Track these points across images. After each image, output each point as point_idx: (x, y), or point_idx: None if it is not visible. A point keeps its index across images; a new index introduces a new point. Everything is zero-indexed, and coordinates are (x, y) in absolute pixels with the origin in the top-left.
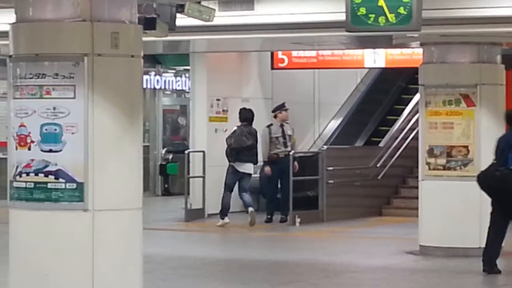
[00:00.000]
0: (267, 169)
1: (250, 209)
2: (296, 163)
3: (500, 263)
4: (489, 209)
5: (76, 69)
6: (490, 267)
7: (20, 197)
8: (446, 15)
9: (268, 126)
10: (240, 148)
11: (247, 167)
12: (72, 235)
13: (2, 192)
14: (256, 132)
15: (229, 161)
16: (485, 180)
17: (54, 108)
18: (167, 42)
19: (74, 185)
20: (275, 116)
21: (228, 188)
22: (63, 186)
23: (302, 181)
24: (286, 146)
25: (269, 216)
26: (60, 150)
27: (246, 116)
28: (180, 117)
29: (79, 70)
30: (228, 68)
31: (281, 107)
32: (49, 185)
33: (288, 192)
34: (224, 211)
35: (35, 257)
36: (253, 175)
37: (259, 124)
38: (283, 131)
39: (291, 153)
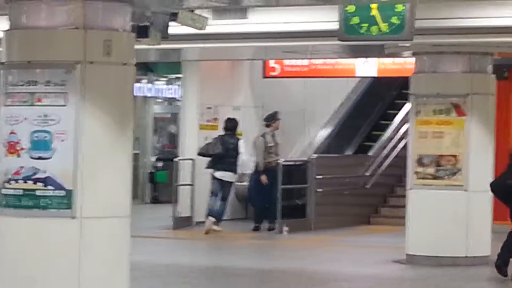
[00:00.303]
0: (264, 178)
1: (211, 218)
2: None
3: (486, 273)
4: (476, 218)
5: (68, 76)
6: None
7: (8, 204)
8: (438, 25)
9: (263, 136)
10: (207, 155)
11: (222, 175)
12: (60, 242)
13: None
14: (237, 142)
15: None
16: (497, 189)
17: (45, 116)
18: (159, 50)
19: (63, 193)
20: (268, 125)
21: (211, 194)
22: (51, 193)
23: (291, 190)
24: (277, 155)
25: (257, 225)
26: (50, 158)
27: (231, 125)
28: (171, 125)
29: (71, 77)
30: (220, 77)
31: (275, 116)
32: (37, 192)
33: (276, 200)
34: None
35: (23, 264)
36: (242, 184)
37: (251, 133)
38: (275, 140)
39: (280, 161)
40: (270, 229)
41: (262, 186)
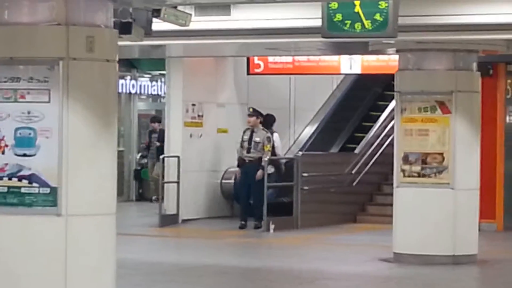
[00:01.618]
0: (236, 169)
1: None
2: (260, 171)
3: (473, 271)
4: (463, 216)
5: (51, 73)
6: None
7: None
8: (422, 22)
9: (244, 130)
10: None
11: None
12: (45, 240)
13: None
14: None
15: None
16: None
17: (29, 112)
18: (143, 46)
19: (48, 190)
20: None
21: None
22: (36, 190)
23: (277, 187)
24: (248, 152)
25: (243, 222)
26: (34, 155)
27: (269, 120)
28: None
29: (54, 74)
30: (204, 73)
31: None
32: (22, 190)
33: (259, 198)
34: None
35: (8, 261)
36: (228, 181)
37: (235, 130)
38: (250, 137)
39: (265, 158)
40: (256, 227)
41: (240, 182)
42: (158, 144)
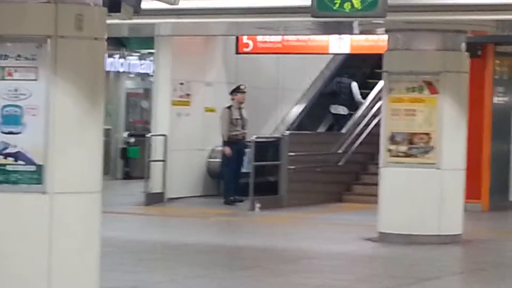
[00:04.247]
0: (227, 149)
1: None
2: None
3: (457, 251)
4: (448, 196)
5: (39, 51)
6: None
7: None
8: (411, 2)
9: (229, 108)
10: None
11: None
12: (31, 217)
13: None
14: (350, 83)
15: None
16: None
17: (16, 90)
18: (132, 25)
19: (33, 168)
20: (232, 98)
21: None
22: (22, 168)
23: (263, 166)
24: (243, 128)
25: (231, 198)
26: (20, 132)
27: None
28: (143, 101)
29: (42, 52)
30: (193, 52)
31: (237, 89)
32: (8, 167)
33: (240, 174)
34: None
35: None
36: (213, 160)
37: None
38: (241, 114)
39: (253, 137)
40: (237, 201)
41: (228, 159)
42: None
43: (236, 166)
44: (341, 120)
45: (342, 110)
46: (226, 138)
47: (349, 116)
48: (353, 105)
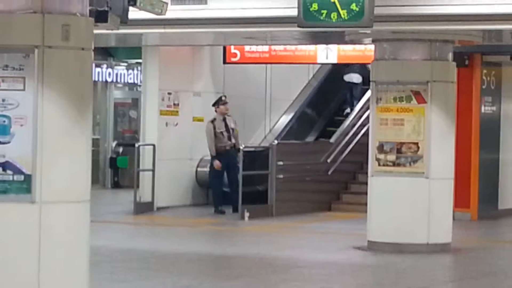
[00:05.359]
0: (217, 162)
1: None
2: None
3: (446, 260)
4: (437, 205)
5: (26, 61)
6: None
7: None
8: (398, 12)
9: (212, 121)
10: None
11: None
12: (19, 227)
13: None
14: None
15: None
16: None
17: (3, 100)
18: (119, 35)
19: (22, 177)
20: (215, 111)
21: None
22: (10, 178)
23: (252, 176)
24: (230, 139)
25: (219, 207)
26: (9, 142)
27: None
28: (131, 111)
29: (29, 62)
30: (180, 62)
31: (219, 101)
32: None
33: (237, 184)
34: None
35: None
36: (203, 169)
37: (210, 118)
38: (226, 125)
39: (241, 147)
40: (234, 211)
41: (217, 171)
42: None
43: (231, 177)
44: (354, 90)
45: (355, 78)
46: (213, 152)
47: (362, 85)
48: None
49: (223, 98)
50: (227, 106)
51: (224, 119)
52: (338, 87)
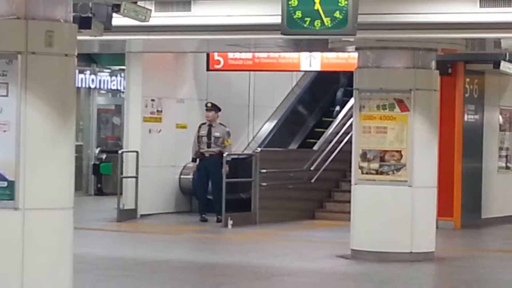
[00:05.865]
0: (191, 164)
1: None
2: (227, 166)
3: (430, 269)
4: (420, 213)
5: (10, 66)
6: None
7: None
8: (382, 20)
9: (200, 125)
10: None
11: None
12: (2, 233)
13: None
14: None
15: None
16: None
17: None
18: (103, 41)
19: (5, 184)
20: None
21: None
22: None
23: (235, 183)
24: (209, 147)
25: (203, 216)
26: None
27: None
28: (114, 117)
29: (12, 67)
30: (164, 69)
31: (205, 107)
32: None
33: (220, 193)
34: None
35: None
36: (186, 177)
37: (194, 125)
38: (209, 132)
39: (225, 155)
40: (218, 221)
41: (198, 177)
42: None
43: (213, 185)
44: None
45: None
46: (193, 154)
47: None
48: None
49: (208, 105)
50: (209, 114)
51: (210, 125)
52: (321, 94)
